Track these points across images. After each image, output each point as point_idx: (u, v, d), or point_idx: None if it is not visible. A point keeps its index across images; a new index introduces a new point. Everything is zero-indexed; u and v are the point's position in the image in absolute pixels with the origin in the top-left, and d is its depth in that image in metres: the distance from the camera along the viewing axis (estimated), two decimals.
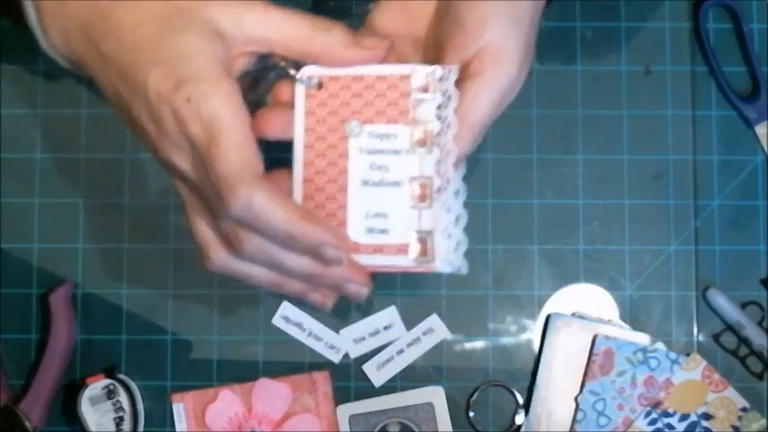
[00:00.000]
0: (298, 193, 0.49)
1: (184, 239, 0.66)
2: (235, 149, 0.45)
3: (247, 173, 0.45)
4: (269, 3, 0.47)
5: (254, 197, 0.45)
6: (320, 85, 0.49)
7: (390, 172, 0.48)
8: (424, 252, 0.48)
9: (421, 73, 0.48)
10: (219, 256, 0.49)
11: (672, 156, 0.66)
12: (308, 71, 0.49)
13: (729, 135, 0.66)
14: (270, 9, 0.47)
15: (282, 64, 0.48)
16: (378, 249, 0.48)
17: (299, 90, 0.49)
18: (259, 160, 0.46)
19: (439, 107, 0.48)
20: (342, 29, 0.48)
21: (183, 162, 0.47)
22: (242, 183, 0.44)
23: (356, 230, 0.48)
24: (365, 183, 0.48)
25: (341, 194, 0.48)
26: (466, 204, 0.49)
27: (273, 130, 0.49)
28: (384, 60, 0.49)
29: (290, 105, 0.49)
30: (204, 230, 0.49)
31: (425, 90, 0.48)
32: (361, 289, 0.49)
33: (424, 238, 0.48)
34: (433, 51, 0.51)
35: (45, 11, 0.48)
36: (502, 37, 0.48)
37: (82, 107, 0.67)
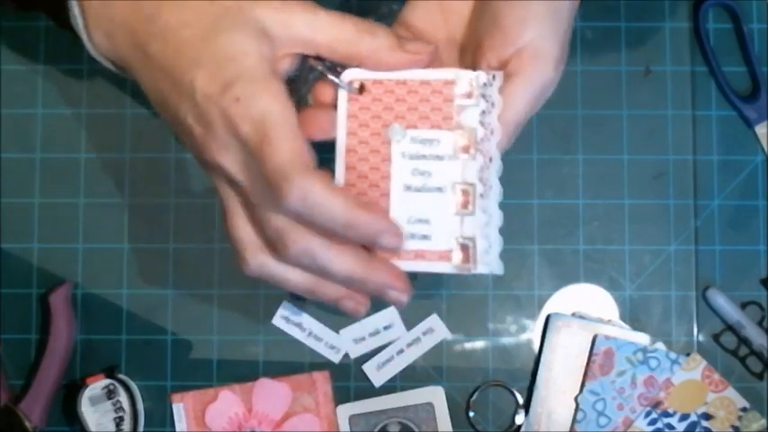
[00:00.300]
0: None
1: (185, 239, 0.66)
2: (287, 144, 0.44)
3: (301, 164, 0.44)
4: (315, 4, 0.47)
5: (311, 187, 0.44)
6: (362, 89, 0.48)
7: (433, 177, 0.48)
8: (467, 259, 0.47)
9: (465, 78, 0.48)
10: (258, 259, 0.48)
11: (672, 156, 0.66)
12: (349, 75, 0.48)
13: (729, 135, 0.66)
14: (317, 10, 0.47)
15: (320, 68, 0.48)
16: (420, 255, 0.48)
17: (342, 93, 0.49)
18: (311, 153, 0.45)
19: (483, 113, 0.48)
20: (387, 32, 0.47)
21: (230, 163, 0.46)
22: (297, 173, 0.44)
23: None
24: (408, 188, 0.48)
25: (383, 199, 0.48)
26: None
27: (316, 132, 0.48)
28: (428, 65, 0.48)
29: (332, 106, 0.49)
30: (245, 233, 0.48)
31: (469, 96, 0.48)
32: (401, 295, 0.48)
33: (467, 245, 0.47)
34: (471, 50, 0.51)
35: (90, 14, 0.48)
36: (540, 37, 0.48)
37: (82, 107, 0.67)
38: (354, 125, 0.49)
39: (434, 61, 0.50)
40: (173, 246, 0.66)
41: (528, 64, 0.48)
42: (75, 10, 0.49)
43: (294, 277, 0.48)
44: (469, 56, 0.51)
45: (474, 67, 0.49)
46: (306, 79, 0.49)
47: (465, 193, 0.48)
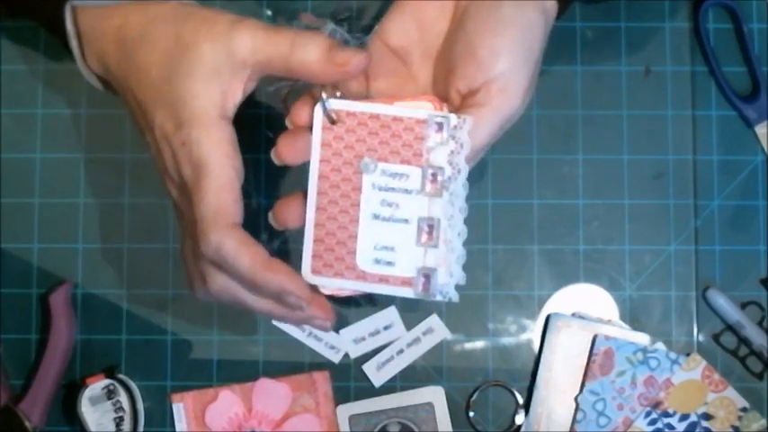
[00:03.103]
0: (310, 219, 0.51)
1: None
2: (214, 195, 0.47)
3: (221, 219, 0.47)
4: (255, 22, 0.49)
5: (222, 243, 0.47)
6: (333, 121, 0.50)
7: (400, 209, 0.50)
8: (426, 288, 0.50)
9: (436, 120, 0.50)
10: (201, 289, 0.51)
11: (672, 156, 0.66)
12: (328, 105, 0.50)
13: (729, 135, 0.66)
14: (254, 29, 0.49)
15: (320, 88, 0.50)
16: (383, 279, 0.50)
17: (317, 122, 0.51)
18: (237, 208, 0.48)
19: (451, 153, 0.50)
20: (319, 44, 0.48)
21: (177, 197, 0.50)
22: (214, 228, 0.47)
23: (364, 260, 0.50)
24: (376, 216, 0.50)
25: (352, 225, 0.51)
26: (466, 204, 0.51)
27: (294, 156, 0.51)
28: (358, 74, 0.50)
29: (308, 130, 0.51)
30: (191, 263, 0.51)
31: (440, 136, 0.50)
32: (325, 323, 0.51)
33: (428, 275, 0.50)
34: (443, 72, 0.52)
35: (85, 41, 0.53)
36: (511, 71, 0.50)
37: (82, 107, 0.67)
38: (328, 153, 0.51)
39: (402, 69, 0.53)
40: (172, 246, 0.66)
41: (496, 96, 0.50)
42: (71, 38, 0.53)
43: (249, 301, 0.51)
44: (441, 76, 0.52)
45: (445, 90, 0.51)
46: (297, 91, 0.52)
47: (430, 227, 0.50)
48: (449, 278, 0.50)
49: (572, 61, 0.66)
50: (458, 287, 0.50)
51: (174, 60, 0.49)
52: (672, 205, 0.66)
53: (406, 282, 0.50)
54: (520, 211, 0.66)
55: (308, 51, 0.48)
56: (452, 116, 0.50)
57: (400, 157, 0.50)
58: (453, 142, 0.49)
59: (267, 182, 0.66)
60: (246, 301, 0.50)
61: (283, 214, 0.52)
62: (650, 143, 0.66)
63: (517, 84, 0.50)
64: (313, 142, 0.51)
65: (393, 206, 0.50)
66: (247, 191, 0.65)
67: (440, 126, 0.50)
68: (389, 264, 0.50)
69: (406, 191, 0.50)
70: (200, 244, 0.48)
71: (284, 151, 0.51)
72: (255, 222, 0.65)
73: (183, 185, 0.49)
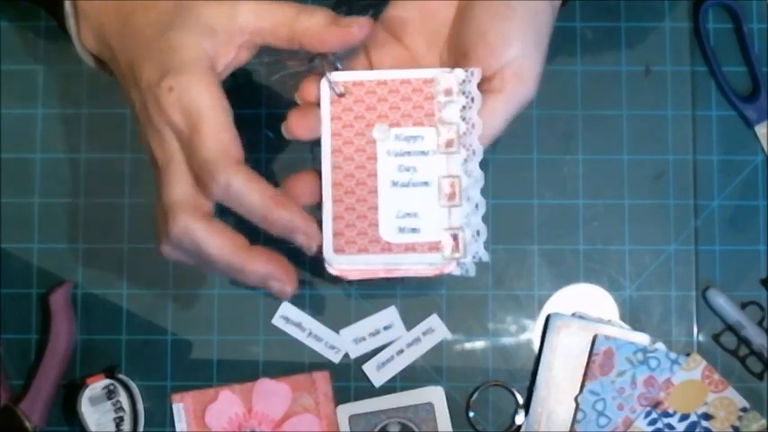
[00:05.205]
0: (327, 196, 0.50)
1: None
2: (213, 137, 0.47)
3: (226, 159, 0.47)
4: None
5: (231, 182, 0.47)
6: (341, 94, 0.50)
7: (419, 173, 0.50)
8: (456, 248, 0.50)
9: (444, 76, 0.50)
10: (166, 245, 0.50)
11: (672, 156, 0.66)
12: (333, 77, 0.50)
13: (729, 135, 0.66)
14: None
15: (316, 64, 0.50)
16: (410, 248, 0.50)
17: (324, 97, 0.50)
18: (237, 146, 0.48)
19: (463, 108, 0.50)
20: (325, 12, 0.49)
21: (156, 149, 0.49)
22: (221, 168, 0.47)
23: (388, 230, 0.50)
24: (394, 184, 0.50)
25: (371, 196, 0.50)
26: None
27: (305, 132, 0.51)
28: (364, 38, 0.49)
29: (317, 105, 0.51)
30: (160, 218, 0.50)
31: (449, 93, 0.50)
32: (284, 287, 0.50)
33: (456, 235, 0.50)
34: (454, 54, 0.52)
35: (81, 13, 0.52)
36: (524, 56, 0.50)
37: (82, 107, 0.67)
38: (338, 126, 0.50)
39: (407, 54, 0.52)
40: None
41: (511, 82, 0.50)
42: (68, 12, 0.52)
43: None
44: (454, 59, 0.52)
45: None
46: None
47: (452, 185, 0.50)
48: (477, 237, 0.50)
49: (572, 61, 0.66)
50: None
51: (169, 16, 0.49)
52: (672, 205, 0.66)
53: (434, 246, 0.50)
54: (520, 211, 0.66)
55: (313, 17, 0.48)
56: (459, 70, 0.50)
57: (412, 119, 0.50)
58: (463, 97, 0.49)
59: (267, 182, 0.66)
60: (207, 245, 0.48)
61: (294, 190, 0.51)
62: (650, 143, 0.66)
63: (530, 68, 0.50)
64: (322, 117, 0.50)
65: (411, 170, 0.50)
66: None
67: (448, 82, 0.49)
68: (414, 230, 0.50)
69: (423, 152, 0.50)
70: (206, 187, 0.47)
71: (295, 126, 0.50)
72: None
73: (179, 133, 0.48)
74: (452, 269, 0.50)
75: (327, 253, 0.50)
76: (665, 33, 0.67)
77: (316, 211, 0.51)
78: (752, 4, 0.67)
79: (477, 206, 0.50)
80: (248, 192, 0.47)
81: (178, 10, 0.49)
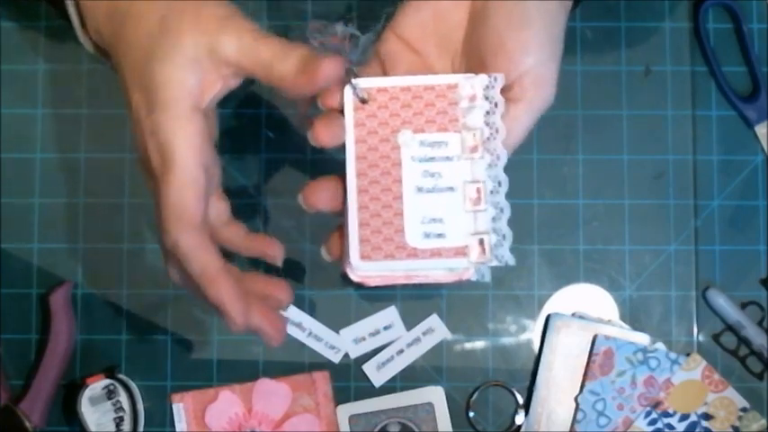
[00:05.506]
0: (353, 203, 0.50)
1: None
2: (176, 192, 0.47)
3: (180, 218, 0.48)
4: (244, 23, 0.49)
5: (178, 242, 0.47)
6: (364, 100, 0.50)
7: (444, 178, 0.50)
8: (482, 252, 0.50)
9: (468, 82, 0.50)
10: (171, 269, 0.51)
11: (672, 156, 0.66)
12: (355, 84, 0.50)
13: (729, 135, 0.66)
14: (242, 32, 0.48)
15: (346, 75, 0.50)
16: (436, 253, 0.50)
17: (348, 104, 0.50)
18: (198, 206, 0.48)
19: (487, 113, 0.50)
20: (297, 57, 0.48)
21: (149, 179, 0.50)
22: (174, 225, 0.47)
23: (414, 236, 0.50)
24: (419, 189, 0.50)
25: (396, 202, 0.50)
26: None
27: (329, 139, 0.50)
28: (329, 82, 0.49)
29: (340, 112, 0.51)
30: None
31: (473, 98, 0.50)
32: (270, 341, 0.51)
33: (482, 239, 0.50)
34: (470, 61, 0.52)
35: (84, 10, 0.52)
36: (543, 63, 0.50)
37: (82, 107, 0.67)
38: (363, 133, 0.50)
39: (419, 61, 0.52)
40: None
41: (531, 90, 0.50)
42: (71, 9, 0.52)
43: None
44: (471, 66, 0.52)
45: None
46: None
47: (477, 190, 0.50)
48: (503, 240, 0.50)
49: (572, 61, 0.66)
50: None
51: (153, 43, 0.48)
52: (672, 205, 0.66)
53: (460, 251, 0.50)
54: (520, 211, 0.66)
55: (285, 65, 0.48)
56: (483, 76, 0.50)
57: (436, 125, 0.50)
58: (487, 102, 0.50)
59: (267, 182, 0.66)
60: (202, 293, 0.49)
61: (314, 196, 0.51)
62: (650, 143, 0.66)
63: (549, 75, 0.50)
64: (346, 124, 0.50)
65: (435, 176, 0.50)
66: (247, 191, 0.65)
67: (472, 88, 0.50)
68: (440, 236, 0.50)
69: (447, 158, 0.50)
70: (163, 230, 0.48)
71: (321, 133, 0.50)
72: (255, 222, 0.65)
73: (153, 171, 0.49)
74: (471, 275, 0.50)
75: (354, 260, 0.50)
76: (665, 33, 0.67)
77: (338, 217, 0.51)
78: (752, 4, 0.67)
79: (502, 210, 0.50)
80: (191, 259, 0.48)
81: (163, 33, 0.48)
